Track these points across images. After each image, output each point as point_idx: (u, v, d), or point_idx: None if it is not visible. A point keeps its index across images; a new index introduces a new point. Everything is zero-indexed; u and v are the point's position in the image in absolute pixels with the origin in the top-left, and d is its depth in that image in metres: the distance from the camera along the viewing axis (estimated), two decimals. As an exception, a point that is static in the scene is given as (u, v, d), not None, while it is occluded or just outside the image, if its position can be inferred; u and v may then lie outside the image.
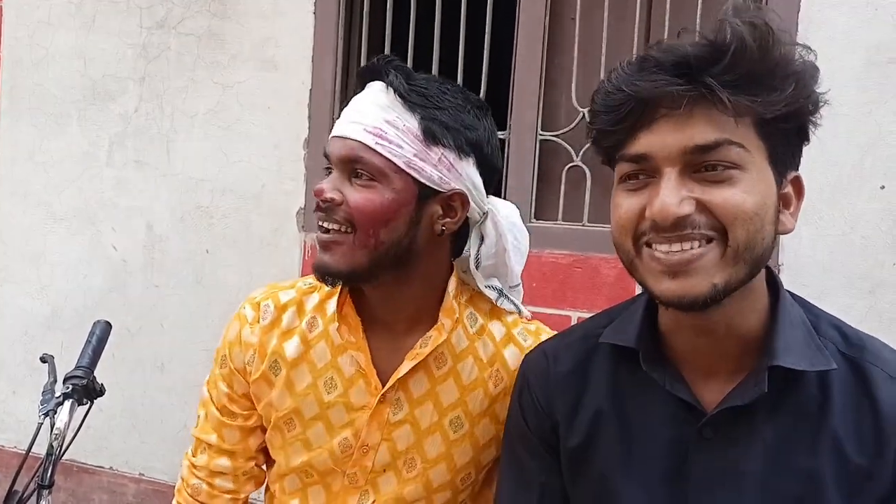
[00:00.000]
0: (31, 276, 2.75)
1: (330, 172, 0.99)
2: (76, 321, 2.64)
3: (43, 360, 1.50)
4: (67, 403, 1.31)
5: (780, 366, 0.75)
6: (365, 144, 0.94)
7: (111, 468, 2.67)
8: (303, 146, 2.38)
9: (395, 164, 0.95)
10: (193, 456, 1.13)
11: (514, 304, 1.12)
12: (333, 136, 0.98)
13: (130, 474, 2.64)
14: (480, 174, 1.01)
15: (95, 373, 1.41)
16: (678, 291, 0.72)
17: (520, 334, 1.07)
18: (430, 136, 0.96)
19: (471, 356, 1.04)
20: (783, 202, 0.76)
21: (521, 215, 2.19)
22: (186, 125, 2.51)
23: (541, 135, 2.15)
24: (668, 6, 2.00)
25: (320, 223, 0.97)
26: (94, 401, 1.35)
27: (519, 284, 1.15)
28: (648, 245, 0.75)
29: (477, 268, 1.06)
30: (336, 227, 0.95)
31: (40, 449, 1.14)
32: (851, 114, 1.82)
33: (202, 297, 2.51)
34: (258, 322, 1.06)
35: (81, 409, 1.32)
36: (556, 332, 1.10)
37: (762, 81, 0.70)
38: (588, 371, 0.89)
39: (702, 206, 0.71)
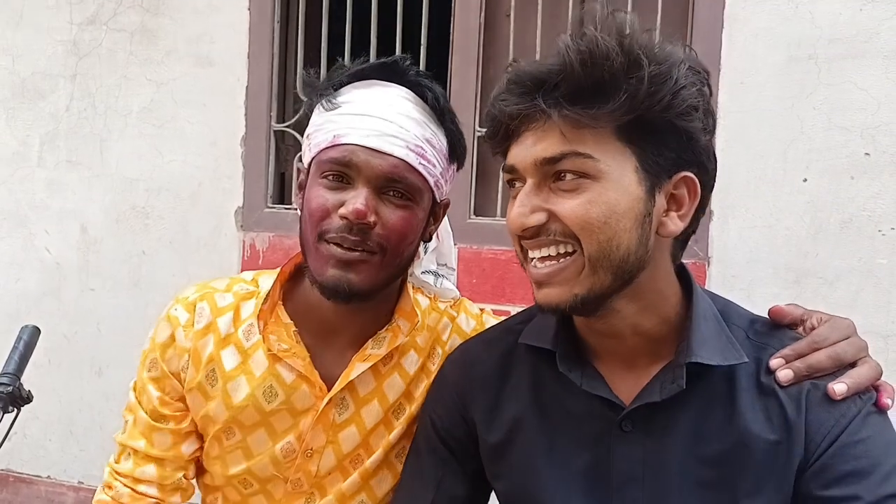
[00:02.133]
0: (-40, 281, 2.66)
1: (338, 180, 0.91)
2: (9, 326, 2.53)
3: (-33, 367, 1.46)
4: (-8, 411, 1.28)
5: (697, 362, 0.77)
6: (409, 164, 0.90)
7: (49, 477, 2.60)
8: (240, 143, 2.34)
9: (429, 183, 0.93)
10: (116, 462, 1.04)
11: (451, 285, 1.13)
12: (361, 147, 0.89)
13: (69, 483, 2.58)
14: None
15: (27, 379, 1.37)
16: (543, 300, 0.77)
17: (451, 310, 1.09)
18: (454, 156, 0.97)
19: (412, 349, 1.03)
20: (672, 204, 0.77)
21: (460, 212, 2.21)
22: (120, 123, 2.46)
23: (478, 132, 2.16)
24: (602, 3, 2.03)
25: (346, 245, 0.89)
26: (21, 408, 1.31)
27: (450, 268, 1.17)
28: (527, 253, 0.79)
29: (425, 252, 1.07)
30: (364, 255, 0.90)
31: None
32: (774, 108, 1.87)
33: (139, 300, 2.46)
34: (192, 326, 0.99)
35: (8, 417, 1.28)
36: (484, 312, 1.12)
37: (594, 93, 0.72)
38: (509, 370, 0.90)
39: (553, 215, 0.75)
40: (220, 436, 1.01)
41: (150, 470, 1.02)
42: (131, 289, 2.48)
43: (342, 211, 0.88)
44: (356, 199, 0.88)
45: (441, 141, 0.94)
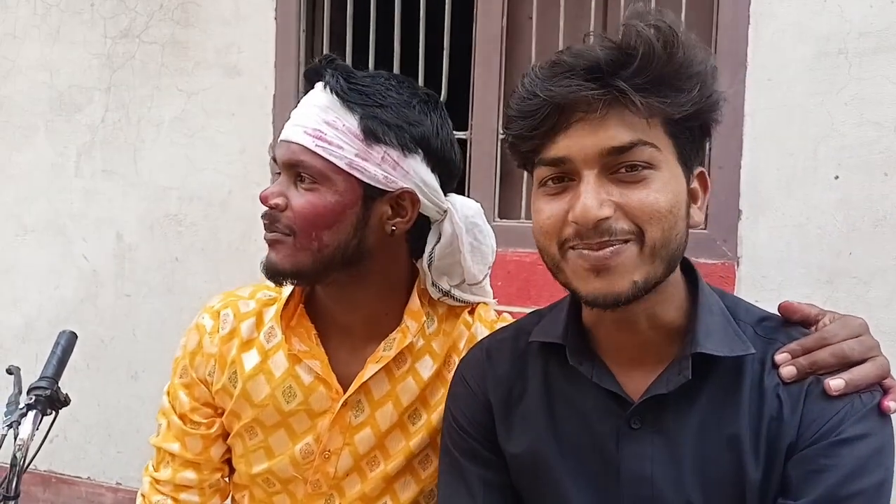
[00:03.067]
0: (3, 289, 2.75)
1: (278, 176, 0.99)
2: (49, 332, 2.62)
3: (9, 371, 1.51)
4: (31, 414, 1.31)
5: (702, 352, 0.77)
6: (305, 147, 0.93)
7: (89, 478, 2.68)
8: (268, 151, 2.38)
9: (335, 165, 0.93)
10: (156, 470, 1.09)
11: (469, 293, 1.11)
12: (280, 140, 0.97)
13: (108, 484, 2.65)
14: (433, 170, 0.99)
15: (66, 382, 1.42)
16: (602, 289, 0.75)
17: (467, 317, 1.09)
18: (371, 135, 0.94)
19: (428, 354, 1.04)
20: (692, 197, 0.79)
21: (485, 216, 2.20)
22: (153, 133, 2.52)
23: (502, 134, 2.16)
24: (622, 4, 2.01)
25: (266, 229, 0.97)
26: (59, 411, 1.35)
27: (480, 283, 1.12)
28: (573, 248, 0.76)
29: (429, 266, 1.05)
30: (277, 234, 0.95)
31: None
32: (804, 105, 1.84)
33: (173, 305, 2.52)
34: (217, 332, 1.05)
35: (47, 420, 1.32)
36: (498, 314, 1.12)
37: (670, 83, 0.72)
38: (522, 369, 0.91)
39: (620, 208, 0.73)
40: (244, 434, 1.05)
41: (190, 475, 1.07)
42: (165, 294, 2.53)
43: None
44: (268, 188, 0.96)
45: (349, 122, 0.94)
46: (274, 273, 0.96)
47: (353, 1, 2.30)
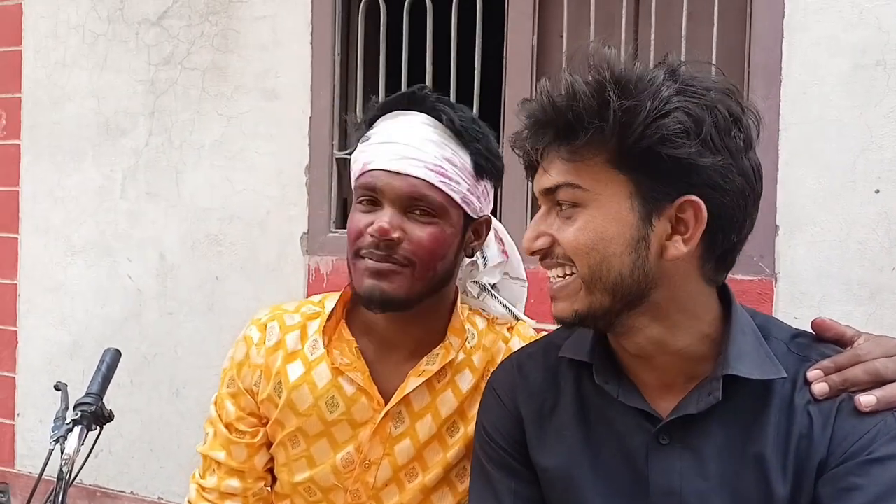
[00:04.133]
0: (52, 308, 2.85)
1: (370, 204, 0.99)
2: (96, 349, 2.70)
3: (57, 388, 1.57)
4: (77, 429, 1.36)
5: (733, 375, 0.77)
6: (428, 182, 0.96)
7: (132, 492, 2.74)
8: (304, 172, 2.43)
9: (454, 199, 0.99)
10: (202, 478, 1.12)
11: (499, 301, 1.17)
12: (384, 171, 0.97)
13: (150, 498, 2.71)
14: None
15: (109, 398, 1.47)
16: (553, 313, 0.83)
17: (506, 332, 1.12)
18: (480, 171, 1.01)
19: (467, 367, 1.07)
20: (680, 227, 0.77)
21: (517, 231, 2.22)
22: (194, 156, 2.60)
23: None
24: (653, 21, 2.02)
25: (375, 258, 0.97)
26: (104, 426, 1.40)
27: (520, 279, 1.22)
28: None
29: (485, 266, 1.14)
30: (394, 266, 0.97)
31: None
32: (841, 118, 1.81)
33: (214, 323, 2.58)
34: (264, 343, 1.08)
35: (92, 435, 1.36)
36: (537, 332, 1.14)
37: (569, 133, 0.77)
38: (554, 383, 0.92)
39: (555, 240, 0.80)
40: (287, 444, 1.08)
41: (234, 483, 1.10)
42: (206, 313, 2.60)
43: (370, 229, 0.97)
44: (381, 218, 0.96)
45: (464, 159, 0.99)
46: (382, 303, 0.98)
47: (386, 24, 2.35)
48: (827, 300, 1.82)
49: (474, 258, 1.13)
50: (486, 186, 1.04)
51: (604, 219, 0.77)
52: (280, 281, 2.48)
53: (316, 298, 1.14)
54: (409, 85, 2.29)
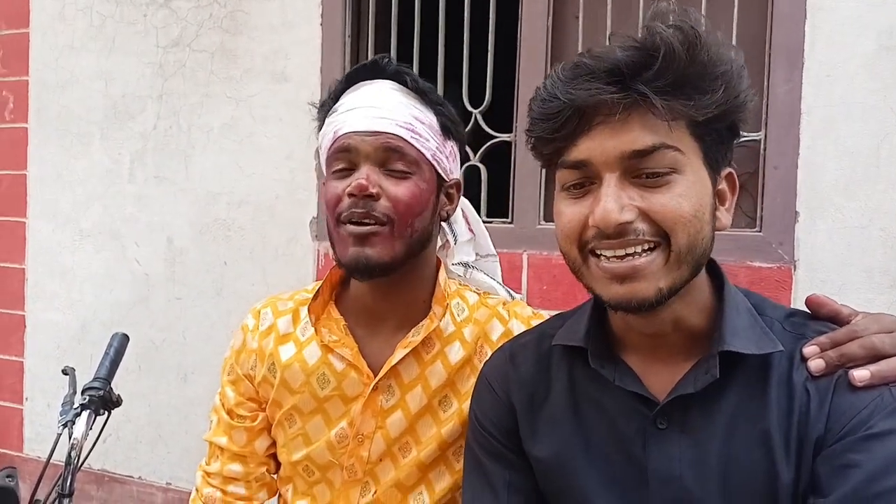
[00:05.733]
0: (60, 292, 2.84)
1: (345, 171, 1.00)
2: (104, 334, 2.71)
3: (65, 372, 1.55)
4: (85, 414, 1.35)
5: (729, 350, 0.75)
6: (402, 138, 0.99)
7: (140, 478, 2.74)
8: (314, 156, 2.41)
9: (425, 156, 1.01)
10: (207, 464, 1.16)
11: (486, 275, 1.20)
12: (357, 132, 0.98)
13: (158, 483, 2.70)
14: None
15: (116, 383, 1.45)
16: (626, 295, 0.74)
17: (502, 310, 1.12)
18: (446, 131, 1.05)
19: (457, 340, 1.08)
20: (719, 199, 0.78)
21: (529, 218, 2.19)
22: (203, 140, 2.57)
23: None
24: (672, 1, 1.97)
25: (356, 220, 0.97)
26: (112, 411, 1.38)
27: (492, 255, 1.24)
28: (594, 252, 0.76)
29: (455, 242, 1.15)
30: (372, 222, 0.98)
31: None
32: (865, 101, 1.76)
33: (222, 308, 2.56)
34: (257, 329, 1.13)
35: (100, 420, 1.35)
36: (534, 310, 1.13)
37: (693, 85, 0.71)
38: (546, 372, 0.90)
39: (643, 213, 0.73)
40: (284, 423, 1.11)
41: (236, 467, 1.14)
42: (214, 297, 2.58)
43: (348, 189, 0.97)
44: (358, 176, 0.97)
45: (430, 118, 1.03)
46: (367, 270, 0.98)
47: (398, 6, 2.31)
48: (847, 288, 1.78)
49: (446, 239, 1.16)
50: (453, 147, 1.07)
51: (700, 185, 0.74)
52: (289, 266, 2.45)
53: (310, 286, 1.17)
54: (421, 69, 2.26)
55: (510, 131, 2.17)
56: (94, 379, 1.44)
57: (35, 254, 2.88)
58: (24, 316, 2.91)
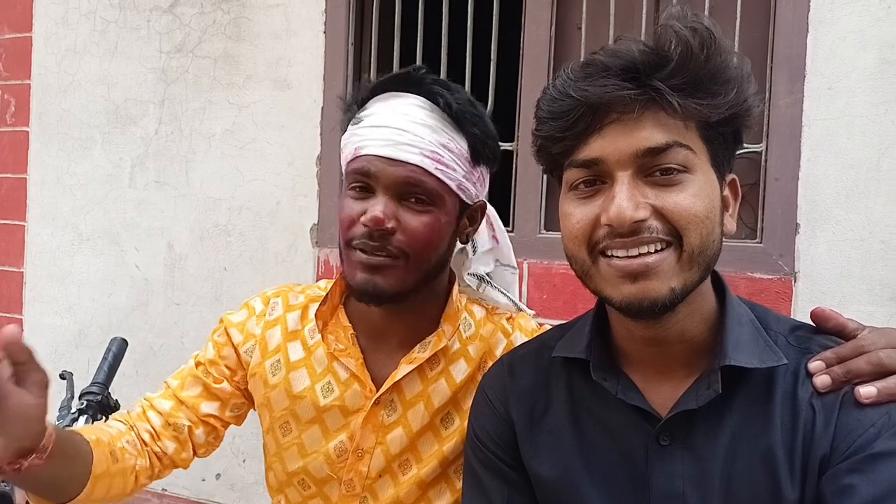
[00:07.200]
0: (58, 296, 2.83)
1: (363, 191, 0.95)
2: (102, 339, 2.71)
3: (62, 376, 1.55)
4: (82, 419, 1.34)
5: (732, 365, 0.74)
6: (424, 169, 0.92)
7: (136, 483, 2.72)
8: (315, 163, 2.41)
9: (449, 187, 0.95)
10: (151, 396, 1.11)
11: (500, 291, 1.14)
12: (378, 157, 0.93)
13: (154, 490, 2.68)
14: None
15: (114, 388, 1.45)
16: (638, 295, 0.72)
17: (506, 324, 1.09)
18: (476, 157, 0.98)
19: (462, 357, 1.05)
20: (724, 204, 0.77)
21: (530, 227, 2.19)
22: (204, 145, 2.57)
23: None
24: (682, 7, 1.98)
25: (368, 250, 0.93)
26: (109, 416, 1.38)
27: (511, 267, 1.19)
28: (604, 253, 0.74)
29: (474, 252, 1.10)
30: (385, 254, 0.93)
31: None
32: (866, 115, 1.77)
33: (221, 314, 2.54)
34: (264, 316, 1.08)
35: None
36: (539, 323, 1.11)
37: (706, 86, 0.70)
38: (546, 385, 0.89)
39: (656, 211, 0.71)
40: (277, 431, 1.07)
41: (165, 404, 1.07)
42: (213, 303, 2.57)
43: (363, 219, 0.92)
44: (375, 207, 0.92)
45: (460, 145, 0.96)
46: (375, 297, 0.95)
47: (401, 14, 2.32)
48: (847, 300, 1.78)
49: (464, 248, 1.11)
50: (482, 172, 1.01)
51: (710, 186, 0.73)
52: (289, 273, 2.45)
53: (322, 283, 1.13)
54: (423, 76, 2.26)
55: (511, 140, 2.17)
56: (93, 384, 1.43)
57: (34, 257, 2.88)
58: (21, 319, 2.90)
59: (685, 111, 0.70)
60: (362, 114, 0.97)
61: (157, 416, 1.06)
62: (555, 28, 2.13)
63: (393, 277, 0.94)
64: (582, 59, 0.75)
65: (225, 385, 1.08)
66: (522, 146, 2.16)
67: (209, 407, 1.08)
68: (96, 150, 2.75)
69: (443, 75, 2.25)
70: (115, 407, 1.46)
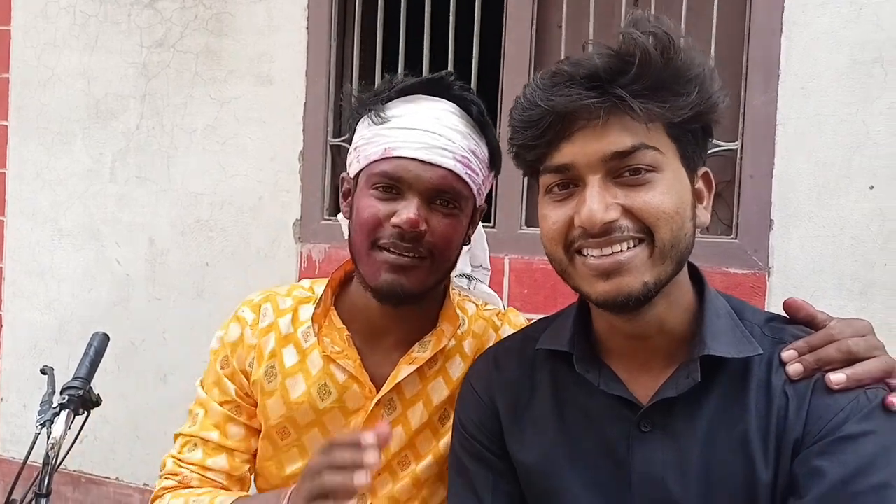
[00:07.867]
0: (38, 291, 2.81)
1: (388, 191, 0.95)
2: (82, 334, 2.69)
3: (43, 371, 1.54)
4: (63, 414, 1.34)
5: (710, 355, 0.77)
6: (456, 174, 0.95)
7: (117, 479, 2.71)
8: (298, 158, 2.41)
9: (473, 190, 0.99)
10: (180, 453, 1.08)
11: (486, 287, 1.18)
12: (413, 159, 0.93)
13: (135, 485, 2.68)
14: None
15: (96, 383, 1.45)
16: (612, 291, 0.75)
17: (496, 319, 1.11)
18: (493, 163, 1.02)
19: (458, 354, 1.07)
20: (697, 197, 0.80)
21: (512, 223, 2.21)
22: (185, 141, 2.56)
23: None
24: (652, 13, 2.01)
25: (398, 251, 0.94)
26: (91, 411, 1.38)
27: (483, 268, 1.23)
28: (580, 252, 0.78)
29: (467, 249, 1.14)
30: (415, 260, 0.94)
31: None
32: (838, 114, 1.81)
33: (203, 310, 2.55)
34: (257, 325, 1.07)
35: (79, 420, 1.34)
36: (526, 318, 1.13)
37: (668, 88, 0.73)
38: (530, 376, 0.91)
39: (626, 211, 0.75)
40: (275, 436, 1.06)
41: (222, 461, 1.06)
42: (195, 299, 2.57)
43: (395, 220, 0.92)
44: (408, 209, 0.92)
45: (483, 151, 0.99)
46: (400, 297, 0.95)
47: (384, 11, 2.33)
48: (819, 295, 1.83)
49: None
50: (492, 177, 1.05)
51: (679, 183, 0.76)
52: (271, 268, 2.45)
53: (306, 283, 1.13)
54: (405, 74, 2.27)
55: (493, 137, 2.19)
56: (74, 378, 1.43)
57: (13, 252, 2.85)
58: (0, 315, 2.88)
59: (648, 114, 0.73)
60: (388, 113, 0.97)
61: (219, 476, 1.06)
62: (535, 27, 2.15)
63: (417, 278, 0.95)
64: (550, 68, 0.78)
65: (254, 413, 1.08)
66: (503, 144, 2.18)
67: (256, 442, 1.09)
68: (76, 144, 2.73)
69: (425, 73, 2.27)
70: (96, 402, 1.45)
